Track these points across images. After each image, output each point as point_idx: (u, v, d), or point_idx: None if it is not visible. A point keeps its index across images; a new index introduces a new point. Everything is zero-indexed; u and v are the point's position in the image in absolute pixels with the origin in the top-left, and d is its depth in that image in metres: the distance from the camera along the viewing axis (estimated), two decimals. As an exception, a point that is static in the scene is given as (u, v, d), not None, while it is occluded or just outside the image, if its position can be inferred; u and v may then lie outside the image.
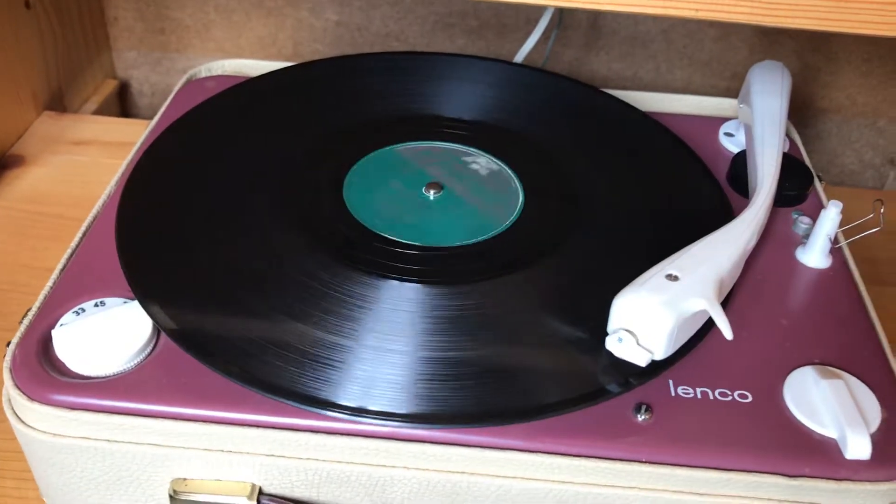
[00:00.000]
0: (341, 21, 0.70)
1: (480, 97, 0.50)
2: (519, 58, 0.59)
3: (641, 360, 0.34)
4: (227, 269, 0.39)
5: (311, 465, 0.34)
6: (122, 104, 0.75)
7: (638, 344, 0.34)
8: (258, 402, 0.34)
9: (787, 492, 0.33)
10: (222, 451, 0.34)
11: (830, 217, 0.41)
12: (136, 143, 0.48)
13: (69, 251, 0.40)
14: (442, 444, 0.33)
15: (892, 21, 0.33)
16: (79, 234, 0.41)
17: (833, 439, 0.34)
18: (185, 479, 0.35)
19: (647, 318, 0.34)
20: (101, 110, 0.70)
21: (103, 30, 0.71)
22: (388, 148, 0.46)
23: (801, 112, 0.70)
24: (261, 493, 0.35)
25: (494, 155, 0.46)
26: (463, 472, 0.34)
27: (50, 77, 0.64)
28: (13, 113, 0.61)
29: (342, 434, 0.34)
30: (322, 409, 0.33)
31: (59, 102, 0.66)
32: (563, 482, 0.34)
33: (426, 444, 0.33)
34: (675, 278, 0.35)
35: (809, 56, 0.67)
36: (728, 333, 0.34)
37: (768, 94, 0.47)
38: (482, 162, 0.46)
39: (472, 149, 0.47)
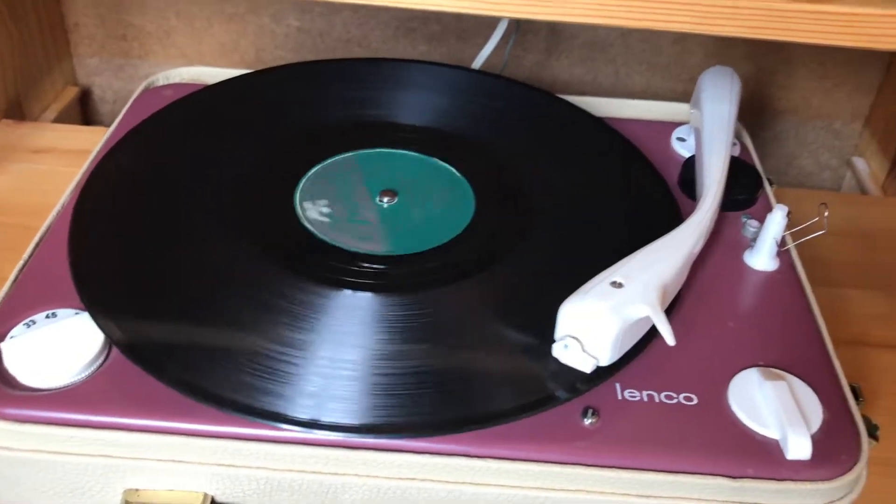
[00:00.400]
0: (303, 27, 0.70)
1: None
2: (477, 63, 0.60)
3: (587, 367, 0.35)
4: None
5: (262, 473, 0.34)
6: (84, 111, 0.75)
7: (583, 350, 0.35)
8: (209, 413, 0.34)
9: (731, 493, 0.34)
10: (174, 461, 0.34)
11: (776, 220, 0.42)
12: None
13: (22, 262, 0.40)
14: (392, 452, 0.34)
15: (825, 31, 0.33)
16: (32, 245, 0.41)
17: (775, 440, 0.35)
18: (137, 490, 0.35)
19: (591, 326, 0.34)
20: (62, 118, 0.70)
21: (63, 36, 0.71)
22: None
23: (758, 114, 0.71)
24: (213, 502, 0.35)
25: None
26: (413, 479, 0.34)
27: (7, 84, 0.64)
28: (-30, 121, 0.61)
29: (293, 443, 0.34)
30: (273, 421, 0.34)
31: (17, 110, 0.65)
32: (512, 486, 0.34)
33: (376, 452, 0.34)
34: (620, 285, 0.35)
35: (764, 59, 0.68)
36: (670, 339, 0.34)
37: (717, 100, 0.47)
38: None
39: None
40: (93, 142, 0.62)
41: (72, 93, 0.72)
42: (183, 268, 0.40)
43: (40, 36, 0.67)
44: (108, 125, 0.73)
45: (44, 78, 0.69)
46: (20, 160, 0.61)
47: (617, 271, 0.36)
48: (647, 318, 0.35)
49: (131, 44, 0.72)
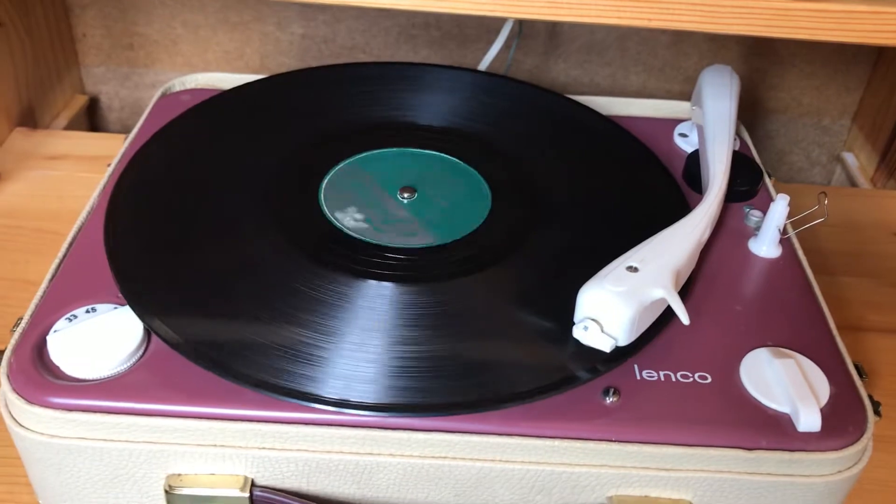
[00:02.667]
0: (307, 34, 0.72)
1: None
2: (482, 66, 0.62)
3: (606, 347, 0.37)
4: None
5: (300, 455, 0.36)
6: (92, 119, 0.76)
7: (602, 331, 0.37)
8: (247, 398, 0.36)
9: (746, 464, 0.36)
10: (215, 445, 0.36)
11: (779, 209, 0.44)
12: (109, 157, 0.49)
13: (57, 261, 0.42)
14: (425, 431, 0.35)
15: (823, 27, 0.36)
16: (65, 245, 0.43)
17: (786, 414, 0.37)
18: (179, 475, 0.36)
19: (609, 308, 0.36)
20: (72, 125, 0.71)
21: (71, 46, 0.72)
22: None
23: (749, 113, 0.73)
24: (253, 485, 0.36)
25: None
26: (445, 457, 0.36)
27: (21, 94, 0.65)
28: (-14, 130, 0.62)
29: (329, 425, 0.35)
30: (309, 402, 0.35)
31: (30, 118, 0.67)
32: (539, 463, 0.36)
33: (410, 432, 0.35)
34: (636, 270, 0.37)
35: (755, 60, 0.71)
36: (685, 319, 0.36)
37: (718, 97, 0.50)
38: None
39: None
40: (104, 148, 0.64)
41: (80, 101, 0.73)
42: (215, 261, 0.41)
43: (50, 46, 0.69)
44: (116, 132, 0.75)
45: (54, 87, 0.70)
46: (36, 167, 0.62)
47: (632, 256, 0.38)
48: (661, 300, 0.37)
49: (138, 53, 0.73)
